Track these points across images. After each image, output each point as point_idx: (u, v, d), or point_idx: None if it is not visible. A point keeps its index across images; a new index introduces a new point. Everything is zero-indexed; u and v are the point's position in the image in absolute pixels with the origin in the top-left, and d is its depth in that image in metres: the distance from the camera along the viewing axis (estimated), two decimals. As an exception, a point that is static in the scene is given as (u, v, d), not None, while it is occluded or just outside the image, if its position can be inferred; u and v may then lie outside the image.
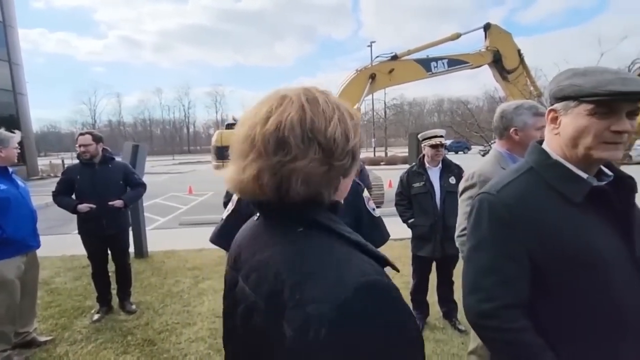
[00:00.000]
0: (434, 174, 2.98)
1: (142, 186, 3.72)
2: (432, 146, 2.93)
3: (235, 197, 1.56)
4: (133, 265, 4.03)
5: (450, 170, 2.98)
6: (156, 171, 24.68)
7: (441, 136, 2.93)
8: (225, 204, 3.07)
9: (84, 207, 3.24)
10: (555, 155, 0.97)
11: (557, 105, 0.95)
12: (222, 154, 10.26)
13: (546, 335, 0.90)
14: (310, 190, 0.58)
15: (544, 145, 1.02)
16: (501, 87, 10.14)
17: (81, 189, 3.33)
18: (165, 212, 9.33)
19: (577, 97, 0.89)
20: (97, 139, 3.40)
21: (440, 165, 2.99)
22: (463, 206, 1.80)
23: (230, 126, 12.39)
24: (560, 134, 0.95)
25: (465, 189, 1.81)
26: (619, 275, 0.86)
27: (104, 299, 3.55)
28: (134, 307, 3.61)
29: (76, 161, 3.46)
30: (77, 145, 3.35)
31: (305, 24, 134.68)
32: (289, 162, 0.56)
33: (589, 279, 0.87)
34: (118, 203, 3.38)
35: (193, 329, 3.18)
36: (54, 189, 3.40)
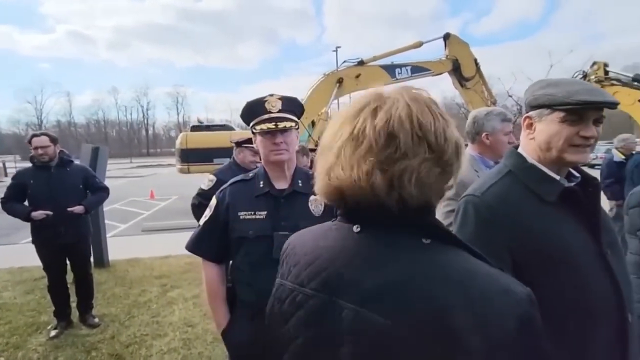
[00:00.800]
0: None
1: (105, 190, 3.53)
2: None
3: (213, 202, 1.49)
4: (94, 276, 3.79)
5: None
6: (113, 175, 23.25)
7: None
8: (195, 206, 3.00)
9: (39, 214, 3.00)
10: (530, 159, 1.07)
11: (532, 113, 1.05)
12: (187, 156, 9.91)
13: None
14: (424, 193, 0.54)
15: (520, 150, 1.12)
16: (460, 94, 10.71)
17: (35, 195, 3.08)
18: (126, 219, 8.84)
19: (551, 106, 0.98)
20: (54, 140, 3.17)
21: None
22: (440, 206, 1.89)
23: (196, 128, 11.99)
24: (535, 139, 1.04)
25: None
26: (588, 268, 0.96)
27: (62, 314, 3.29)
28: (96, 320, 3.39)
29: (24, 165, 3.20)
30: (31, 148, 3.10)
31: (268, 27, 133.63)
32: (399, 158, 0.53)
33: (563, 273, 0.95)
34: (78, 209, 3.17)
35: (164, 340, 3.05)
36: (2, 195, 3.12)
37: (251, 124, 1.46)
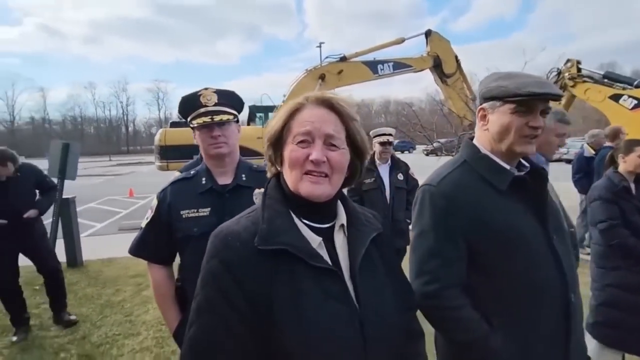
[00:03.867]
0: (384, 171, 3.12)
1: (55, 189, 3.53)
2: (381, 143, 3.07)
3: (154, 203, 1.43)
4: (66, 276, 3.67)
5: (399, 167, 3.14)
6: (90, 173, 22.56)
7: (389, 134, 3.08)
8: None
9: None
10: (484, 149, 1.09)
11: (485, 105, 1.07)
12: (166, 153, 9.68)
13: (481, 308, 1.00)
14: None
15: (475, 141, 1.14)
16: (441, 90, 10.86)
17: None
18: (102, 218, 8.60)
19: (503, 98, 1.00)
20: (15, 161, 3.01)
21: (389, 162, 3.14)
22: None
23: (175, 124, 11.73)
24: (489, 130, 1.06)
25: None
26: (537, 251, 0.99)
27: (19, 320, 3.13)
28: (73, 317, 3.30)
29: None
30: None
31: (248, 23, 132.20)
32: None
33: (515, 257, 0.99)
34: (32, 213, 3.09)
35: (137, 339, 2.99)
36: None
37: (189, 119, 1.42)
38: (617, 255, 2.06)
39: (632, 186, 2.15)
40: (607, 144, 4.51)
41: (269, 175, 0.83)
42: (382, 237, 0.82)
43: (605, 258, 2.06)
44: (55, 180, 4.19)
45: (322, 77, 9.75)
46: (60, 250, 4.26)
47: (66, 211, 4.89)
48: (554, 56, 7.25)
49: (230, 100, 1.46)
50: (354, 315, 0.68)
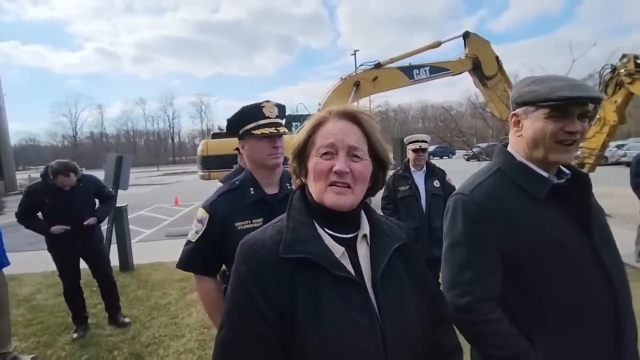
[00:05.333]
0: (419, 178, 3.06)
1: (113, 199, 3.82)
2: (414, 150, 3.02)
3: (204, 217, 1.40)
4: (118, 279, 3.97)
5: (434, 173, 3.07)
6: (140, 182, 24.26)
7: (423, 141, 3.02)
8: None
9: (57, 229, 3.18)
10: (519, 156, 1.05)
11: (519, 110, 1.03)
12: (207, 163, 10.17)
13: (519, 324, 0.95)
14: None
15: (509, 148, 1.10)
16: (481, 93, 10.44)
17: (52, 212, 3.23)
18: (150, 224, 9.19)
19: (535, 103, 0.97)
20: (76, 172, 3.30)
21: (424, 169, 3.07)
22: None
23: (216, 135, 12.31)
24: (523, 136, 1.02)
25: None
26: (580, 263, 0.93)
27: (79, 318, 3.43)
28: (127, 319, 3.55)
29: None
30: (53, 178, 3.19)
31: (283, 35, 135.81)
32: None
33: (555, 269, 0.93)
34: (92, 221, 3.38)
35: (181, 341, 3.15)
36: (17, 209, 3.24)
37: (245, 128, 1.46)
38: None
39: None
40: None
41: (293, 186, 0.86)
42: (406, 247, 0.82)
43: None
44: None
45: (357, 85, 9.78)
46: (113, 255, 4.61)
47: (119, 219, 5.30)
48: (607, 51, 6.69)
49: (284, 113, 1.53)
50: (375, 326, 0.69)
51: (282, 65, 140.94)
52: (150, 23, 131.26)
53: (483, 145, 10.27)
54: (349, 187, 0.74)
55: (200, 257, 1.42)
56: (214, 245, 1.38)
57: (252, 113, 1.46)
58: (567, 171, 1.04)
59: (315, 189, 0.76)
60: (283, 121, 1.50)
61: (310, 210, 0.78)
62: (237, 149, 3.12)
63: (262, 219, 1.37)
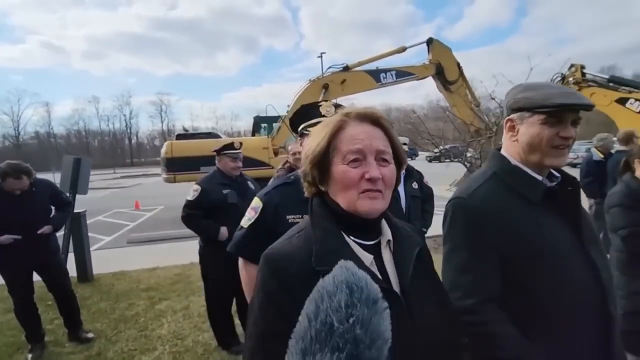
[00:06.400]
0: None
1: (70, 205, 3.54)
2: None
3: (258, 205, 1.48)
4: (77, 291, 3.68)
5: (412, 175, 3.14)
6: (96, 186, 22.71)
7: (403, 143, 3.08)
8: (186, 219, 2.95)
9: (6, 239, 2.88)
10: (514, 160, 1.09)
11: (514, 116, 1.07)
12: (172, 165, 9.76)
13: (517, 325, 0.98)
14: None
15: (503, 152, 1.14)
16: (445, 98, 10.90)
17: (1, 220, 2.91)
18: (110, 231, 8.62)
19: (531, 109, 1.01)
20: (30, 175, 3.00)
21: (403, 171, 3.12)
22: None
23: (181, 136, 11.84)
24: (519, 141, 1.06)
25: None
26: (573, 264, 0.98)
27: (35, 336, 3.12)
28: (90, 334, 3.29)
29: None
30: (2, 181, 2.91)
31: (246, 35, 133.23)
32: None
33: (550, 270, 0.97)
34: (47, 229, 3.10)
35: (153, 355, 2.97)
36: None
37: (304, 125, 1.49)
38: (640, 261, 2.04)
39: (651, 191, 2.14)
40: (619, 147, 4.47)
41: (307, 194, 0.83)
42: (423, 251, 0.82)
43: (629, 265, 2.04)
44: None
45: (326, 87, 9.86)
46: (70, 265, 4.27)
47: (77, 226, 4.92)
48: (555, 60, 7.27)
49: None
50: (413, 341, 0.68)
51: (246, 66, 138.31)
52: (101, 17, 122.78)
53: (447, 146, 10.76)
54: (380, 192, 0.72)
55: (250, 243, 1.46)
56: (265, 233, 1.41)
57: (311, 112, 1.51)
58: (557, 174, 1.10)
59: (345, 197, 0.74)
60: None
61: (335, 217, 0.75)
62: (215, 150, 3.05)
63: None
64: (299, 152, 2.70)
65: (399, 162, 0.80)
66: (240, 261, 1.52)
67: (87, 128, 71.47)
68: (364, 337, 0.44)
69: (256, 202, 1.51)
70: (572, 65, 7.25)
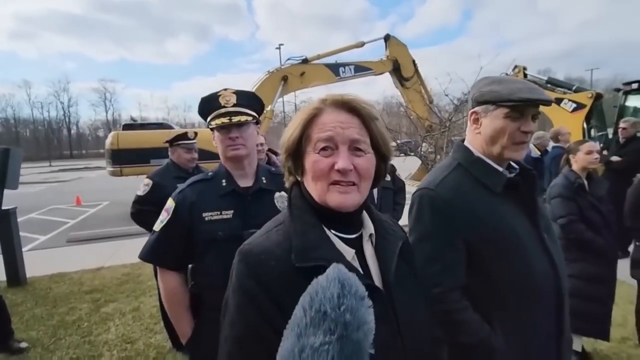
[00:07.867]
0: None
1: None
2: None
3: (170, 205, 1.36)
4: (7, 297, 3.29)
5: None
6: (29, 180, 20.49)
7: None
8: (135, 215, 2.73)
9: None
10: (476, 152, 1.12)
11: (479, 108, 1.09)
12: (119, 157, 9.07)
13: (480, 310, 1.02)
14: None
15: (466, 143, 1.16)
16: (401, 94, 11.23)
17: None
18: (45, 229, 7.82)
19: (496, 102, 1.03)
20: None
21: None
22: None
23: (129, 127, 11.02)
24: (482, 133, 1.09)
25: None
26: (531, 251, 1.03)
27: None
28: (23, 344, 2.94)
29: None
30: None
31: (198, 22, 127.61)
32: None
33: (512, 257, 1.02)
34: None
35: (99, 362, 2.74)
36: None
37: (207, 120, 1.40)
38: (576, 248, 2.25)
39: (585, 183, 2.36)
40: (552, 144, 4.93)
41: (286, 184, 0.78)
42: (406, 245, 0.80)
43: (567, 251, 2.23)
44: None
45: (285, 79, 9.70)
46: (-1, 268, 3.81)
47: (6, 224, 4.39)
48: (499, 62, 7.81)
49: (250, 101, 1.44)
50: (396, 336, 0.66)
51: (199, 55, 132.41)
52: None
53: (399, 141, 11.14)
54: (353, 184, 0.68)
55: (164, 248, 1.34)
56: (180, 235, 1.32)
57: (210, 104, 1.40)
58: (515, 166, 1.15)
59: (315, 189, 0.69)
60: (247, 110, 1.41)
61: (315, 210, 0.71)
62: (167, 141, 2.85)
63: (232, 211, 1.34)
64: (261, 144, 2.56)
65: (382, 154, 0.75)
66: (158, 271, 1.39)
67: (17, 116, 64.15)
68: (353, 322, 0.50)
69: (169, 203, 1.39)
70: (515, 67, 7.81)
